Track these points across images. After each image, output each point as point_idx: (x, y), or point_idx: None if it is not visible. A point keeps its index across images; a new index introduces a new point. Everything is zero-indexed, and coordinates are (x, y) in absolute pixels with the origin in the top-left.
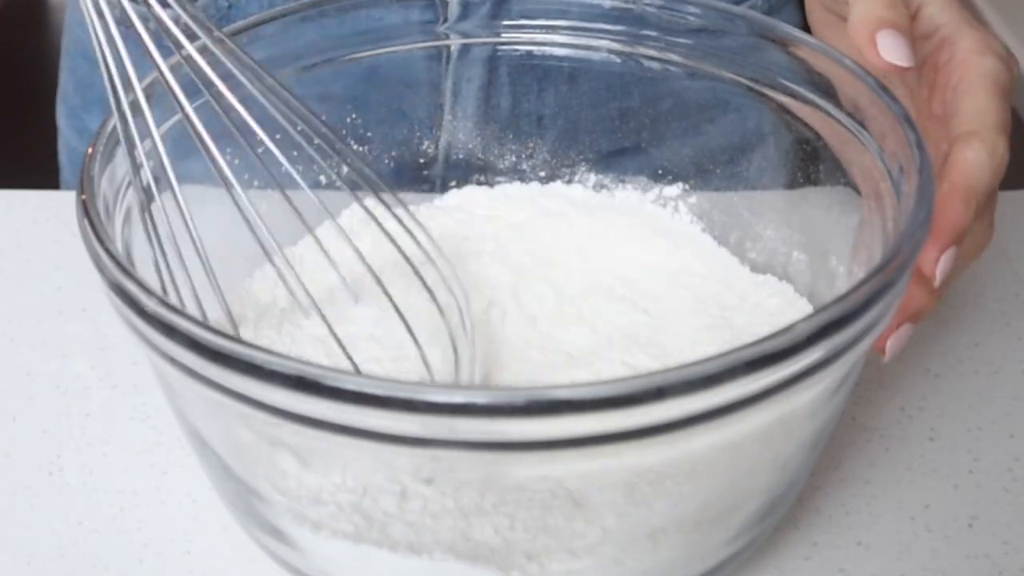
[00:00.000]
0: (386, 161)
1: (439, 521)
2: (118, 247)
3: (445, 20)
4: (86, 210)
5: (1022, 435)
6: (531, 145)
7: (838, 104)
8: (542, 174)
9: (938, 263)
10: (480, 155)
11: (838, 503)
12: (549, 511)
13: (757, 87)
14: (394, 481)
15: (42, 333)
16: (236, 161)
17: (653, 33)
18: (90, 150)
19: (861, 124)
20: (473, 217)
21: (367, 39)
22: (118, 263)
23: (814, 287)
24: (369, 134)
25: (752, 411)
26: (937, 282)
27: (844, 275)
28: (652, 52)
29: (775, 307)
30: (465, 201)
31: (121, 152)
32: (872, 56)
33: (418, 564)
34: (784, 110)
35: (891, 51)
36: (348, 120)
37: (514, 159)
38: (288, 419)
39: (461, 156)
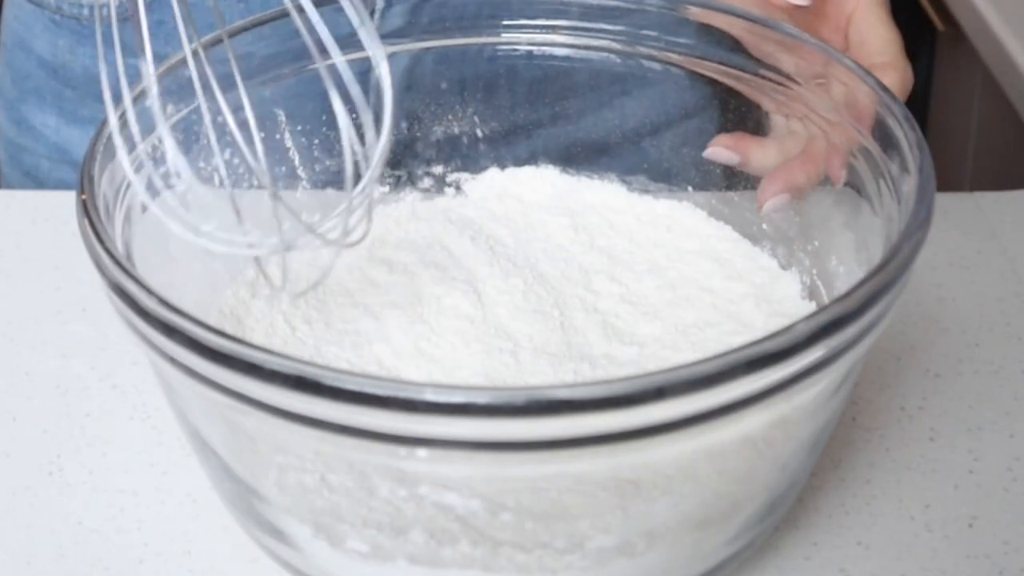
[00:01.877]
0: (329, 165)
1: (437, 520)
2: (118, 247)
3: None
4: (86, 210)
5: (1022, 435)
6: (485, 147)
7: (837, 103)
8: (466, 173)
9: (842, 171)
10: (436, 156)
11: (838, 503)
12: (549, 510)
13: (756, 86)
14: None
15: (42, 333)
16: (236, 160)
17: (617, 28)
18: (90, 149)
19: (860, 123)
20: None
21: (298, 54)
22: (118, 263)
23: (814, 287)
24: (333, 133)
25: (752, 411)
26: (839, 184)
27: (844, 275)
28: (618, 47)
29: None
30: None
31: (121, 152)
32: None
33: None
34: (782, 108)
35: None
36: (317, 119)
37: (470, 160)
38: (288, 419)
39: (418, 154)
